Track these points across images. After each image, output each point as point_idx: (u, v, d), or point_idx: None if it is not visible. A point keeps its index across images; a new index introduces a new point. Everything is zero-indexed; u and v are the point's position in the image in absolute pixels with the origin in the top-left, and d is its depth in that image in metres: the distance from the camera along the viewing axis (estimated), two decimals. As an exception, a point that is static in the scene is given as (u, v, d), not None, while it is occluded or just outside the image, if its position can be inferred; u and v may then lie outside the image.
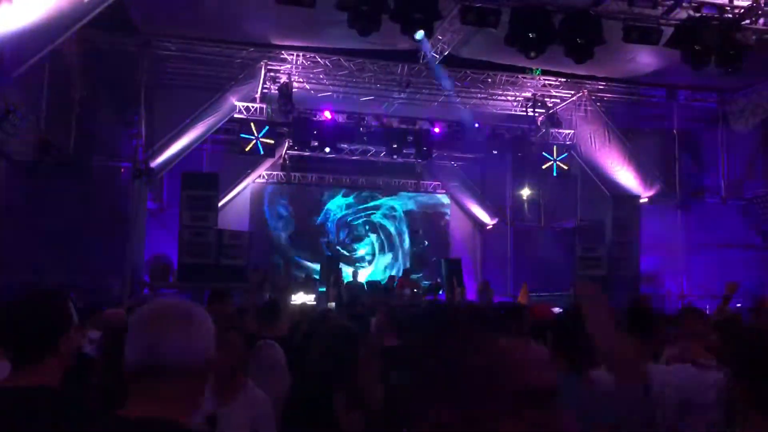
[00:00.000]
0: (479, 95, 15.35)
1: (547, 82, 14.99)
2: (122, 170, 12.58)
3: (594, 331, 2.24)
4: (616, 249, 14.82)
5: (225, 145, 16.34)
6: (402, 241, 20.37)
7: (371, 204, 20.21)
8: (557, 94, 15.54)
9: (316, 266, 17.25)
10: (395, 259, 20.17)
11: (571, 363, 2.74)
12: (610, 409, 2.23)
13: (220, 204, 14.69)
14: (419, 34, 9.90)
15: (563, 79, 14.85)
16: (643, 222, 14.78)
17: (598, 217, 15.95)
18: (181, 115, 12.95)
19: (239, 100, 14.05)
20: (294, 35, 12.77)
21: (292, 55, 13.60)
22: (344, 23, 9.64)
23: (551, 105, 15.90)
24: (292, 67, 13.93)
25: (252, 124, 13.95)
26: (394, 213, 20.40)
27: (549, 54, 10.41)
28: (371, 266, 19.87)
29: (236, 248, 13.16)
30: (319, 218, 19.69)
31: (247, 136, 13.97)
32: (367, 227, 20.12)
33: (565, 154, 15.70)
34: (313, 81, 14.47)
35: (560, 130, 16.01)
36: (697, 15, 10.37)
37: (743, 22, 10.50)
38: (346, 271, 16.69)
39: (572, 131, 15.93)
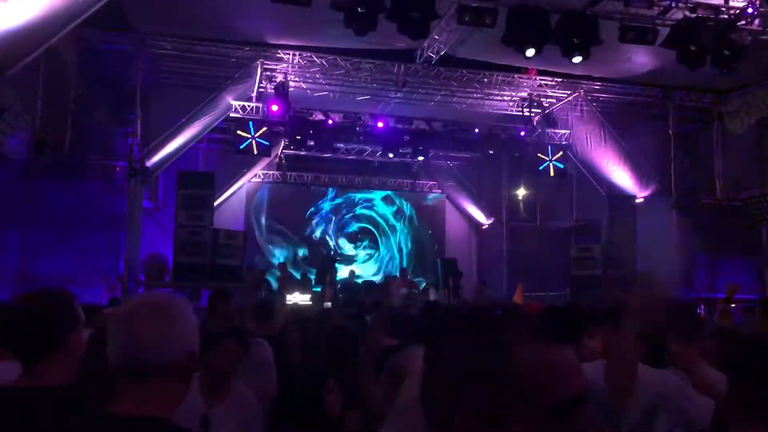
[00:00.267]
0: (475, 95, 15.36)
1: (543, 82, 15.00)
2: (118, 169, 12.55)
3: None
4: (611, 249, 14.85)
5: (221, 144, 16.33)
6: (398, 240, 20.36)
7: (365, 202, 20.19)
8: (553, 94, 15.56)
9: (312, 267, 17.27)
10: (392, 258, 20.16)
11: None
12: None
13: (215, 203, 14.66)
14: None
15: (559, 79, 14.86)
16: (639, 222, 14.81)
17: (593, 217, 15.99)
18: (176, 114, 12.91)
19: (235, 100, 14.02)
20: (290, 34, 12.75)
21: (289, 54, 13.57)
22: (340, 22, 9.63)
23: (547, 105, 15.92)
24: (288, 67, 13.91)
25: (249, 123, 13.92)
26: (390, 212, 20.40)
27: (545, 53, 10.42)
28: (367, 265, 19.87)
29: (232, 248, 13.12)
30: (314, 217, 19.68)
31: (243, 135, 13.95)
32: (362, 226, 20.10)
33: (561, 154, 15.72)
34: (310, 80, 14.45)
35: (556, 130, 16.03)
36: (693, 16, 10.39)
37: (739, 23, 10.53)
38: (342, 271, 16.70)
39: (568, 131, 15.95)
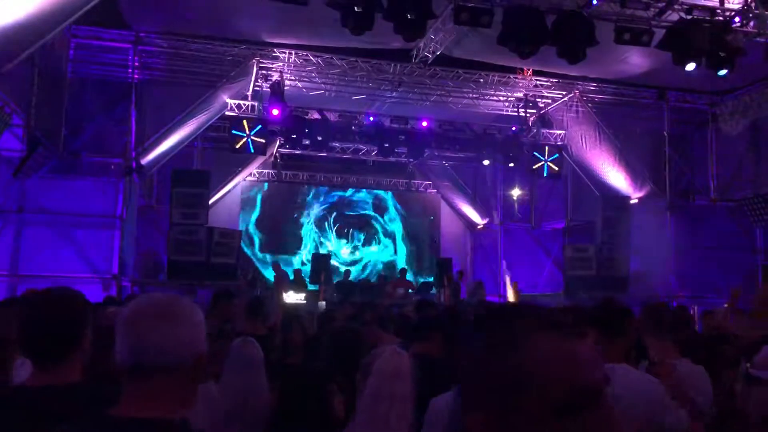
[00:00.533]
0: (471, 95, 15.37)
1: (538, 82, 15.02)
2: (112, 167, 12.50)
3: None
4: (605, 249, 14.89)
5: (216, 142, 16.29)
6: (394, 240, 20.37)
7: (361, 201, 20.19)
8: (549, 94, 15.58)
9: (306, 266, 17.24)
10: (387, 257, 20.16)
11: None
12: None
13: (210, 202, 14.64)
14: None
15: (555, 80, 14.88)
16: (633, 223, 14.85)
17: (588, 218, 16.02)
18: (172, 112, 12.88)
19: (231, 98, 13.99)
20: (286, 33, 12.74)
21: (285, 52, 13.56)
22: (337, 21, 9.62)
23: (543, 105, 15.95)
24: (284, 65, 13.89)
25: (245, 122, 13.90)
26: (385, 211, 20.40)
27: (541, 54, 10.43)
28: (363, 264, 19.86)
29: (226, 246, 13.11)
30: (309, 215, 19.66)
31: (238, 133, 13.92)
32: (357, 225, 20.10)
33: (556, 154, 15.74)
34: (306, 79, 14.43)
35: (551, 131, 16.05)
36: (689, 17, 10.42)
37: (734, 25, 10.57)
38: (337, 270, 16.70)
39: (563, 132, 15.97)
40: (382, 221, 20.31)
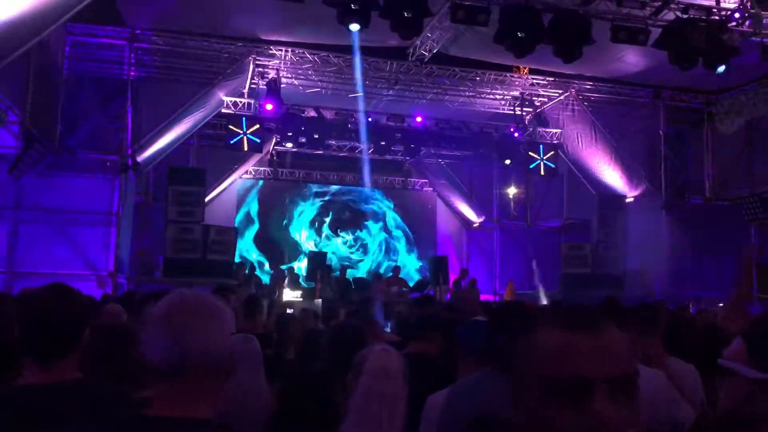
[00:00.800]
0: (467, 93, 15.38)
1: (535, 81, 15.04)
2: (108, 164, 12.48)
3: None
4: (601, 248, 14.93)
5: (212, 140, 16.26)
6: (389, 238, 20.37)
7: (357, 199, 20.18)
8: (545, 93, 15.60)
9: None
10: (383, 254, 20.16)
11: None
12: None
13: (206, 199, 14.61)
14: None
15: (551, 79, 14.90)
16: (629, 221, 14.89)
17: (584, 216, 16.06)
18: (168, 109, 12.85)
19: (227, 95, 13.98)
20: (283, 30, 12.73)
21: (281, 50, 13.54)
22: (333, 19, 9.62)
23: (539, 104, 15.97)
24: (280, 63, 13.87)
25: (242, 119, 13.89)
26: (380, 210, 20.40)
27: (538, 53, 10.45)
28: (359, 263, 19.86)
29: (223, 244, 13.09)
30: (306, 213, 19.66)
31: (235, 130, 13.91)
32: (353, 223, 20.09)
33: (552, 153, 15.77)
34: (302, 77, 14.42)
35: (547, 130, 16.09)
36: (685, 16, 10.45)
37: (730, 24, 10.60)
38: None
39: (559, 130, 16.01)
40: (377, 219, 20.30)
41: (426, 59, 13.40)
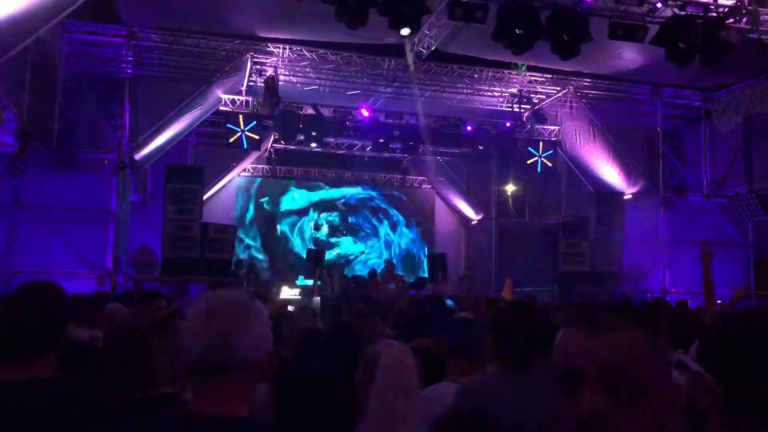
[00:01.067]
0: (465, 91, 15.37)
1: (533, 78, 15.04)
2: (106, 162, 12.47)
3: None
4: (599, 245, 14.95)
5: (210, 138, 16.25)
6: (388, 235, 20.38)
7: (355, 196, 20.19)
8: (543, 90, 15.60)
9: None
10: (380, 252, 20.16)
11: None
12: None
13: (204, 197, 14.60)
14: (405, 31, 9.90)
15: (549, 76, 14.90)
16: (627, 218, 14.91)
17: (581, 213, 16.07)
18: (165, 107, 12.83)
19: (225, 93, 13.96)
20: (280, 28, 12.70)
21: (279, 47, 13.53)
22: (331, 16, 9.61)
23: (537, 101, 15.97)
24: (278, 60, 13.86)
25: (240, 117, 13.88)
26: (379, 207, 20.40)
27: (535, 50, 10.45)
28: (357, 259, 19.87)
29: (221, 242, 13.08)
30: (304, 211, 19.66)
31: (233, 127, 13.90)
32: (351, 221, 20.10)
33: (550, 150, 15.78)
34: (300, 74, 14.41)
35: (545, 127, 16.09)
36: (682, 13, 10.45)
37: (727, 21, 10.60)
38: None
39: (557, 128, 16.03)
40: (376, 217, 20.30)
41: (424, 57, 13.40)
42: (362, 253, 19.99)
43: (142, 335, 2.81)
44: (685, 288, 13.60)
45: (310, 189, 19.80)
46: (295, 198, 19.55)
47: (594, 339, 1.08)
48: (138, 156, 12.74)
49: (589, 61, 12.36)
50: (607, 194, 15.30)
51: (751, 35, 10.81)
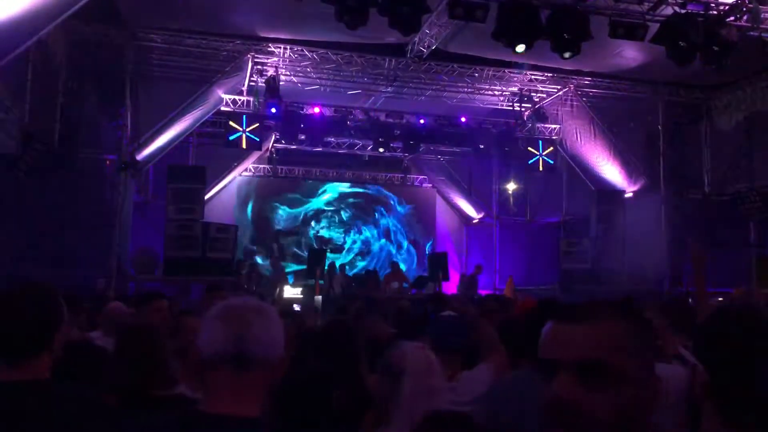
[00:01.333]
0: (466, 89, 15.38)
1: (533, 76, 15.04)
2: (108, 162, 12.50)
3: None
4: (600, 243, 14.95)
5: (211, 137, 16.28)
6: (389, 235, 20.39)
7: (356, 195, 20.20)
8: (543, 89, 15.60)
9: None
10: (381, 250, 20.18)
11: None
12: None
13: (206, 197, 14.63)
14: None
15: (550, 74, 14.90)
16: (628, 217, 14.90)
17: (583, 212, 16.08)
18: (167, 107, 12.86)
19: (226, 93, 13.98)
20: (281, 28, 12.72)
21: (279, 47, 13.54)
22: (332, 16, 9.62)
23: (537, 100, 15.97)
24: (279, 60, 13.87)
25: (241, 117, 13.91)
26: (380, 206, 20.42)
27: (536, 49, 10.45)
28: (358, 259, 19.88)
29: (223, 241, 13.11)
30: (305, 211, 19.67)
31: (234, 126, 13.93)
32: (352, 220, 20.11)
33: (551, 148, 15.78)
34: (301, 74, 14.42)
35: (546, 125, 16.10)
36: (683, 11, 10.45)
37: (728, 19, 10.60)
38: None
39: (558, 126, 16.03)
40: (377, 216, 20.32)
41: (424, 56, 13.41)
42: (362, 252, 20.01)
43: (158, 334, 2.83)
44: (686, 287, 13.59)
45: (311, 188, 19.82)
46: (296, 197, 19.56)
47: (571, 331, 1.14)
48: (140, 156, 12.76)
49: (589, 59, 12.36)
50: (608, 192, 15.30)
51: (752, 33, 10.80)
